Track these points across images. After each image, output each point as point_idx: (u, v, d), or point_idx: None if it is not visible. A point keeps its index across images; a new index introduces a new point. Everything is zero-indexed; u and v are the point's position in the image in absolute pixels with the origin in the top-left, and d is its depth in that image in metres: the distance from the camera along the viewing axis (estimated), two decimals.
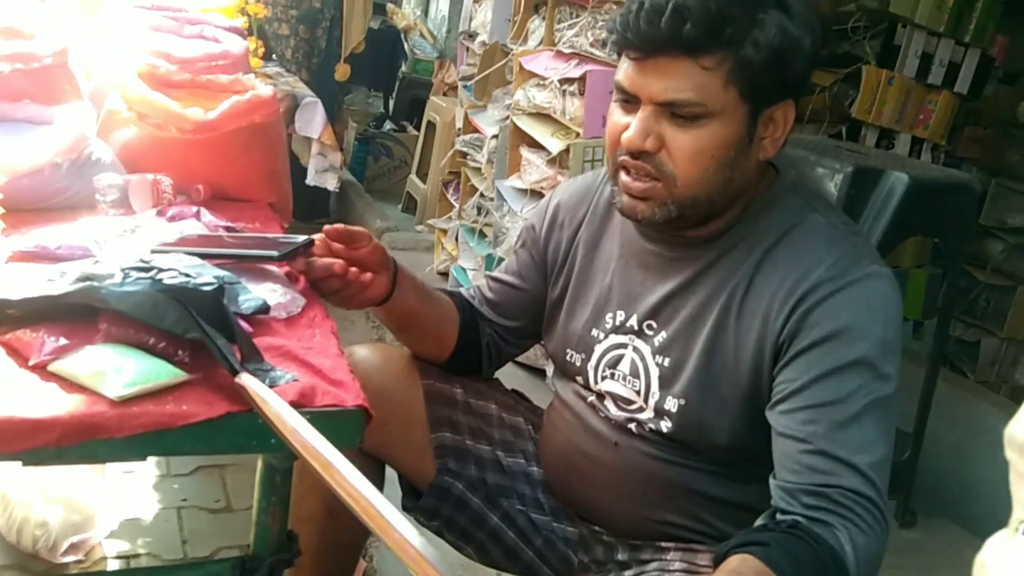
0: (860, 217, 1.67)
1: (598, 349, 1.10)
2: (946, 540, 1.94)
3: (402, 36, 4.69)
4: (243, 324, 0.95)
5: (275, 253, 1.07)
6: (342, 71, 3.48)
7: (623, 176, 1.00)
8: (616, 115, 1.00)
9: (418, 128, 4.12)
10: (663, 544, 1.08)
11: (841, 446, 0.89)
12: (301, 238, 1.12)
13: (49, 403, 0.76)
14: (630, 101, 0.98)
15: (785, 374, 0.94)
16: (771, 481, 0.92)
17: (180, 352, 0.85)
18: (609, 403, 1.09)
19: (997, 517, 0.44)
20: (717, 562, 0.87)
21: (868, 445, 0.89)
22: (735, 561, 0.84)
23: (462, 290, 1.29)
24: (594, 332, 1.11)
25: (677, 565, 1.04)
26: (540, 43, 2.39)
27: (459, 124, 3.06)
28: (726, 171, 0.96)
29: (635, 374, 1.06)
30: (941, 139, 2.77)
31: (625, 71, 0.97)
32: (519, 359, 2.36)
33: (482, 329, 1.24)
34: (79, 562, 1.58)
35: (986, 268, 3.12)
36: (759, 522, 0.91)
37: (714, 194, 0.98)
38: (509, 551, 1.19)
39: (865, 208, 1.67)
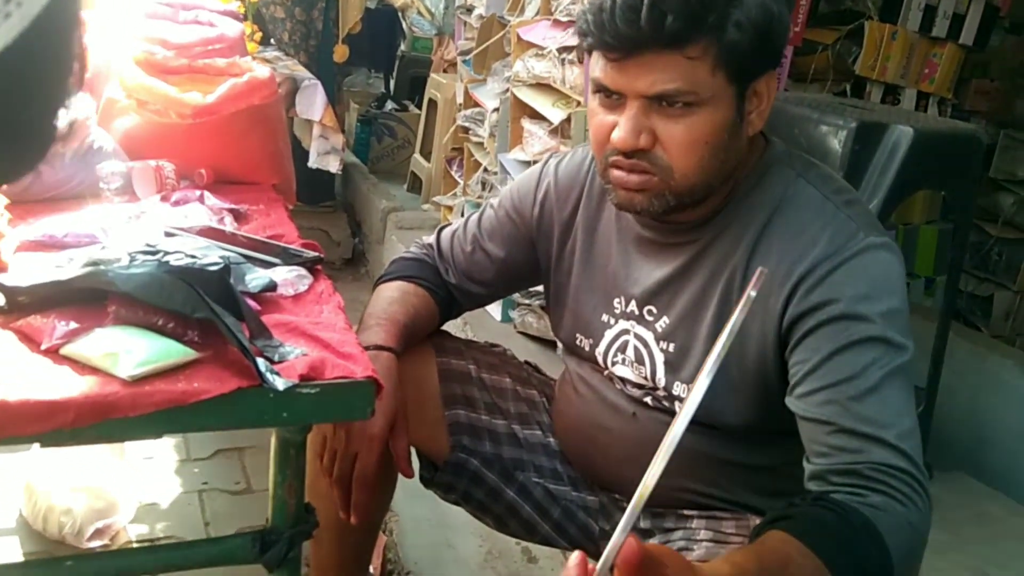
0: (865, 173, 1.66)
1: (608, 335, 1.09)
2: (962, 492, 1.94)
3: (399, 14, 4.65)
4: (251, 302, 0.96)
5: (278, 261, 1.08)
6: (340, 52, 3.46)
7: (616, 172, 0.96)
8: (600, 114, 0.96)
9: (419, 107, 4.11)
10: (685, 512, 1.08)
11: (864, 422, 0.86)
12: (311, 254, 1.12)
13: (63, 385, 0.78)
14: (613, 97, 0.94)
15: (796, 356, 0.92)
16: (804, 466, 0.90)
17: (189, 332, 0.86)
18: (624, 382, 1.09)
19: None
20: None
21: (892, 417, 0.86)
22: (761, 539, 0.81)
23: (431, 248, 1.24)
24: (604, 317, 1.10)
25: (703, 534, 1.04)
26: (537, 13, 2.37)
27: (460, 99, 3.04)
28: (720, 155, 0.94)
29: (640, 360, 1.05)
30: (947, 92, 2.73)
31: (604, 70, 0.93)
32: (530, 332, 2.37)
33: (453, 310, 1.24)
34: (105, 547, 1.61)
35: (997, 222, 3.09)
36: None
37: (711, 179, 0.96)
38: (526, 523, 1.20)
39: (870, 164, 1.66)
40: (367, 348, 1.02)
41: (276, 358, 0.86)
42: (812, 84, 2.54)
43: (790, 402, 0.92)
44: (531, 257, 1.19)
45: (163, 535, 1.68)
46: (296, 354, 0.88)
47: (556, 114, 2.16)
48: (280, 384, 0.81)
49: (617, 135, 0.93)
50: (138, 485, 1.75)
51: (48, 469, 1.63)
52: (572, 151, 1.20)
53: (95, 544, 1.60)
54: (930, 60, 2.66)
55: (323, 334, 0.93)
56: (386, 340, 1.08)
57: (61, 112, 0.33)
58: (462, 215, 2.85)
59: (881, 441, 0.85)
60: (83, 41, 0.33)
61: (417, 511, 1.78)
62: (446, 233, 1.25)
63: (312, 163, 2.94)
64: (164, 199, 1.31)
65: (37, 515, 1.60)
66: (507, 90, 2.46)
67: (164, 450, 1.92)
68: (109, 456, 1.69)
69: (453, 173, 3.19)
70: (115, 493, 1.65)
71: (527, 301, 2.37)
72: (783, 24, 0.93)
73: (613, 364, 1.09)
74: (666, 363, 1.03)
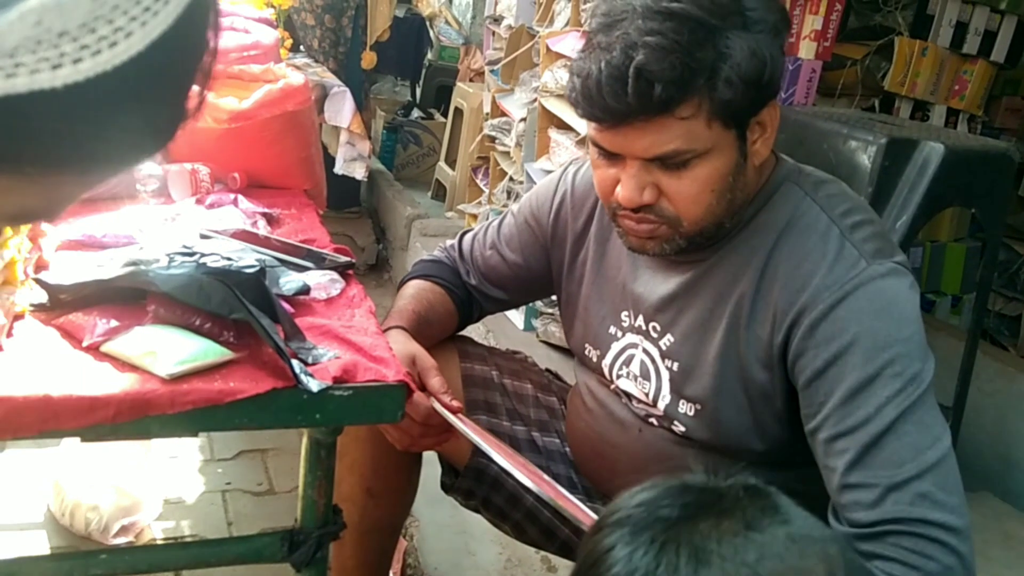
0: (895, 189, 1.65)
1: (615, 347, 1.09)
2: (989, 514, 1.92)
3: (427, 23, 4.69)
4: (284, 305, 0.97)
5: (311, 265, 1.10)
6: (368, 59, 3.50)
7: (625, 222, 0.96)
8: (601, 167, 0.95)
9: (445, 115, 4.14)
10: None
11: (880, 469, 0.84)
12: (343, 258, 1.15)
13: (104, 382, 0.79)
14: (612, 157, 0.93)
15: (810, 396, 0.90)
16: (829, 516, 0.88)
17: (225, 332, 0.88)
18: (629, 397, 1.10)
19: None
20: None
21: (910, 455, 0.84)
22: None
23: (453, 249, 1.26)
24: (612, 329, 1.10)
25: None
26: (567, 24, 2.39)
27: (487, 108, 3.06)
28: (727, 195, 0.93)
29: (645, 376, 1.05)
30: (977, 109, 2.71)
31: (598, 131, 0.92)
32: (551, 340, 2.37)
33: (474, 312, 1.25)
34: (130, 544, 1.62)
35: None
36: None
37: (721, 218, 0.95)
38: (544, 530, 1.21)
39: (900, 180, 1.65)
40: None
41: (310, 360, 0.87)
42: (840, 99, 2.53)
43: (810, 441, 0.91)
44: (545, 264, 1.19)
45: (186, 534, 1.70)
46: (329, 357, 0.89)
47: (584, 125, 2.17)
48: (314, 385, 0.82)
49: (621, 194, 0.93)
50: (163, 484, 1.77)
51: (76, 466, 1.65)
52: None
53: (120, 541, 1.61)
54: (960, 77, 2.64)
55: (355, 338, 0.94)
56: (395, 322, 1.12)
57: (194, 89, 0.34)
58: None
59: (896, 487, 0.82)
60: (218, 14, 0.34)
61: (438, 517, 1.79)
62: (468, 237, 1.27)
63: (338, 169, 2.97)
64: (199, 202, 1.34)
65: (64, 511, 1.63)
66: (535, 100, 2.48)
67: (188, 450, 1.94)
68: (136, 455, 1.71)
69: (478, 182, 3.20)
70: (141, 491, 1.67)
71: (550, 310, 2.37)
72: (776, 65, 0.90)
73: (618, 377, 1.09)
74: (671, 380, 1.03)
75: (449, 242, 1.29)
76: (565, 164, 1.26)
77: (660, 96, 0.84)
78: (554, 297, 1.80)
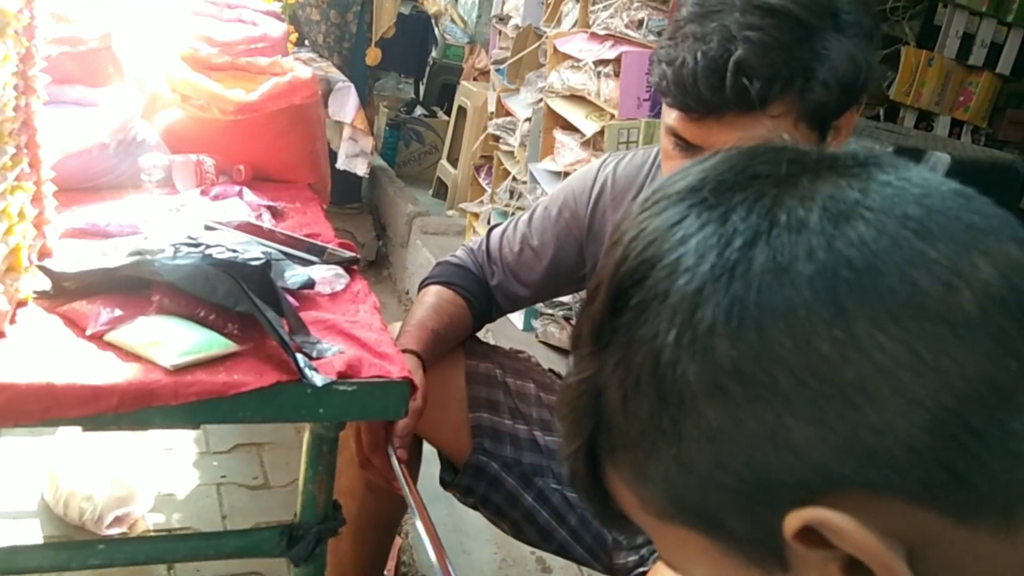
0: None
1: None
2: None
3: (433, 21, 4.68)
4: (289, 299, 0.97)
5: (316, 259, 1.09)
6: (373, 55, 3.49)
7: None
8: (675, 158, 0.94)
9: (448, 113, 4.13)
10: None
11: None
12: (348, 254, 1.14)
13: (107, 371, 0.79)
14: (690, 148, 0.92)
15: None
16: None
17: (229, 324, 0.87)
18: None
19: None
20: None
21: None
22: None
23: (479, 251, 1.24)
24: None
25: None
26: (574, 25, 2.39)
27: (491, 108, 3.06)
28: None
29: None
30: (982, 121, 2.72)
31: (681, 122, 0.91)
32: (552, 342, 2.37)
33: (493, 317, 1.24)
34: (123, 535, 1.62)
35: None
36: None
37: None
38: (542, 530, 1.20)
39: None
40: None
41: (314, 354, 0.87)
42: None
43: None
44: (578, 256, 1.18)
45: (180, 526, 1.69)
46: (333, 351, 0.89)
47: (589, 126, 2.17)
48: (318, 380, 0.82)
49: None
50: (158, 475, 1.77)
51: (71, 455, 1.65)
52: (632, 152, 1.19)
53: (114, 531, 1.61)
54: (966, 88, 2.65)
55: (359, 333, 0.94)
56: (413, 344, 1.09)
57: None
58: (488, 223, 2.86)
59: None
60: None
61: (434, 515, 1.77)
62: (495, 233, 1.26)
63: (340, 165, 2.96)
64: (203, 193, 1.33)
65: (59, 500, 1.62)
66: (540, 100, 2.47)
67: (184, 442, 1.93)
68: (131, 446, 1.71)
69: (481, 180, 3.20)
70: (135, 482, 1.66)
71: (550, 311, 2.37)
72: (871, 71, 0.89)
73: None
74: None
75: (476, 239, 1.27)
76: (603, 157, 1.23)
77: (758, 92, 0.84)
78: (565, 298, 1.77)
